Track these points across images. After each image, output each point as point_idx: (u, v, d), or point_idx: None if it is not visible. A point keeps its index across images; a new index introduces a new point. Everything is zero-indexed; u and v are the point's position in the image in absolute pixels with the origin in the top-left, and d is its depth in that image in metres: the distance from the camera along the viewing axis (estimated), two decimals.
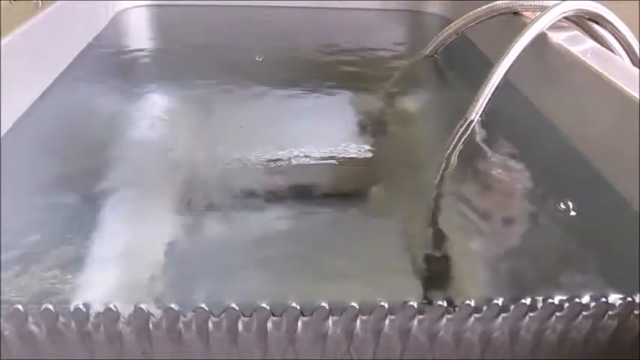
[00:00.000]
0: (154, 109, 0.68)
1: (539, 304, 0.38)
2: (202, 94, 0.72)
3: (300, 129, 0.63)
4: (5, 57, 0.59)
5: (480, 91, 0.64)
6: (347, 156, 0.57)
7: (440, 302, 0.37)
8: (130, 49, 0.88)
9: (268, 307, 0.36)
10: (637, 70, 0.59)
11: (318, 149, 0.57)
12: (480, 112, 0.64)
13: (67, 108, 0.67)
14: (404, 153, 0.62)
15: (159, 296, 0.38)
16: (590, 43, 0.66)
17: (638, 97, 0.51)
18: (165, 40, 0.94)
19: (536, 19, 0.66)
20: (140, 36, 0.97)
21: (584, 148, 0.57)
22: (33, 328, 0.36)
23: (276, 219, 0.48)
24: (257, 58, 0.80)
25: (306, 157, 0.56)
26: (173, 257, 0.43)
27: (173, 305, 0.36)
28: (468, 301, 0.37)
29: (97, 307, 0.36)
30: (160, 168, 0.55)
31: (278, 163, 0.55)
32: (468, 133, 0.62)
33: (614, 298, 0.38)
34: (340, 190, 0.54)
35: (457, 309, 0.37)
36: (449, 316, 0.37)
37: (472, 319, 0.38)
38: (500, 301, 0.38)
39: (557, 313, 0.38)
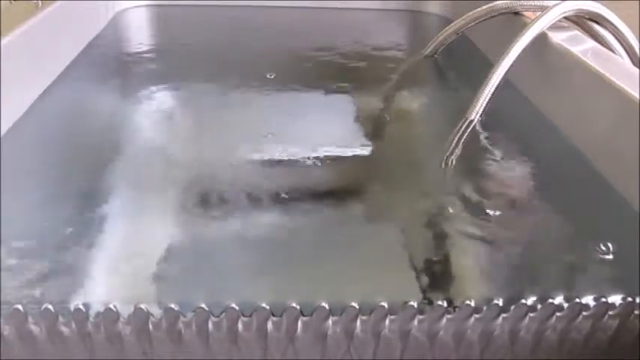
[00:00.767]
0: (154, 109, 0.68)
1: (539, 304, 0.38)
2: (202, 93, 0.72)
3: (299, 129, 0.63)
4: (5, 57, 0.59)
5: (480, 91, 0.64)
6: (347, 155, 0.57)
7: (440, 302, 0.37)
8: (129, 49, 0.88)
9: (268, 307, 0.36)
10: (637, 70, 0.59)
11: (317, 149, 0.57)
12: (480, 112, 0.64)
13: (67, 108, 0.67)
14: (404, 153, 0.62)
15: (159, 296, 0.38)
16: (591, 43, 0.66)
17: (638, 97, 0.51)
18: (165, 40, 0.94)
19: (537, 19, 0.66)
20: (140, 36, 0.97)
21: (584, 148, 0.57)
22: (33, 328, 0.36)
23: (276, 219, 0.48)
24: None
25: (305, 156, 0.56)
26: (173, 257, 0.43)
27: (173, 305, 0.36)
28: (468, 302, 0.37)
29: (97, 307, 0.36)
30: (160, 168, 0.55)
31: (277, 163, 0.55)
32: (468, 132, 0.62)
33: (615, 298, 0.38)
34: (340, 189, 0.54)
35: (457, 309, 0.37)
36: (449, 316, 0.37)
37: (472, 319, 0.37)
38: (500, 301, 0.38)
39: (557, 313, 0.38)
